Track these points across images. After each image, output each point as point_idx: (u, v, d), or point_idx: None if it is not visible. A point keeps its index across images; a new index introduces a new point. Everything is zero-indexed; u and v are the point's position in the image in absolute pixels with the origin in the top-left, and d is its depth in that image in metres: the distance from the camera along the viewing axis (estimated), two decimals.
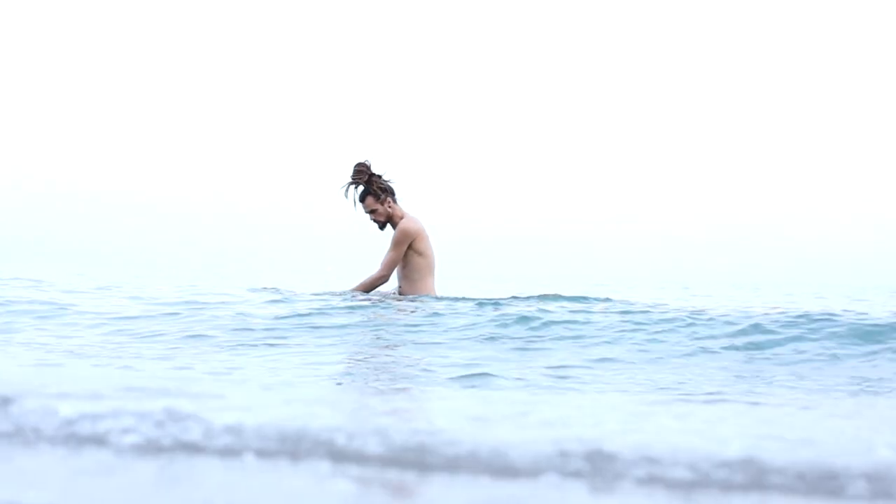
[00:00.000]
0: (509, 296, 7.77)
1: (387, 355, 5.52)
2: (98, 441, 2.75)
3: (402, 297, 7.65)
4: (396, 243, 7.63)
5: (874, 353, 5.36)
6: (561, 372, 4.89)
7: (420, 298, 7.56)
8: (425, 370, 4.92)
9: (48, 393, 3.28)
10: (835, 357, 5.34)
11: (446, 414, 3.53)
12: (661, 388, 4.57)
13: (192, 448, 2.67)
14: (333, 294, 7.85)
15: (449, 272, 8.39)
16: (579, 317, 6.42)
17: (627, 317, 6.39)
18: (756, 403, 4.00)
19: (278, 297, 7.80)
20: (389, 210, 7.72)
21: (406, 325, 6.30)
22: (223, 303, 7.54)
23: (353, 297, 7.56)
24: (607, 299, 7.43)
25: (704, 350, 5.51)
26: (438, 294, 7.79)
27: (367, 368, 5.11)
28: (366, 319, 6.52)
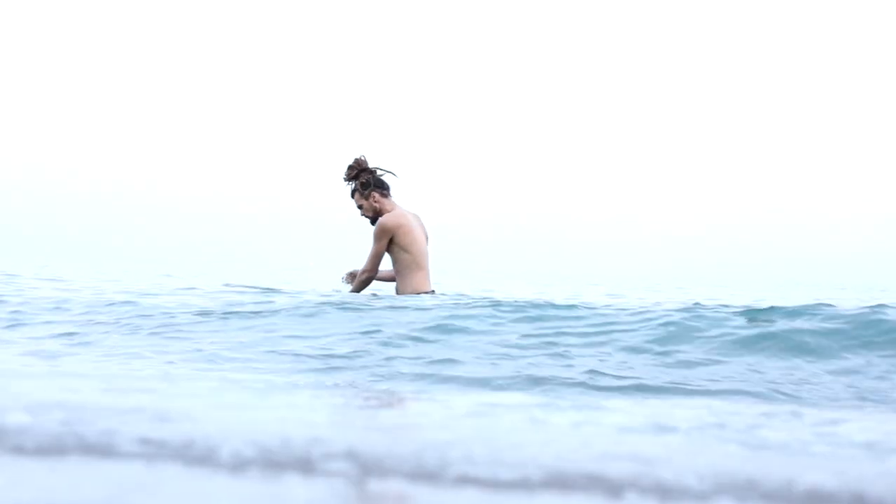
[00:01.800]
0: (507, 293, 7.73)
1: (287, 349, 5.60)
2: None
3: (397, 295, 7.70)
4: (375, 238, 7.71)
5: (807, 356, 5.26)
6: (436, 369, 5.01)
7: (390, 294, 7.65)
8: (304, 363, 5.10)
9: None
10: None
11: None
12: (536, 381, 4.68)
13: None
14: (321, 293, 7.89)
15: (453, 268, 8.43)
16: (532, 311, 6.38)
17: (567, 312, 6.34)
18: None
19: (243, 291, 7.91)
20: (376, 205, 7.77)
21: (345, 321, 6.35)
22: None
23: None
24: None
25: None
26: (433, 290, 7.82)
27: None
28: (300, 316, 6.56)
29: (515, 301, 6.79)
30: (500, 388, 4.55)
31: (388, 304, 6.80)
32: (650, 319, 5.91)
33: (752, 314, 5.83)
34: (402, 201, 7.93)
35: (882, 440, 3.21)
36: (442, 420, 3.39)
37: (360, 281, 7.75)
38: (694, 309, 6.10)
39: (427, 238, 7.91)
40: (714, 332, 5.61)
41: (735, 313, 5.89)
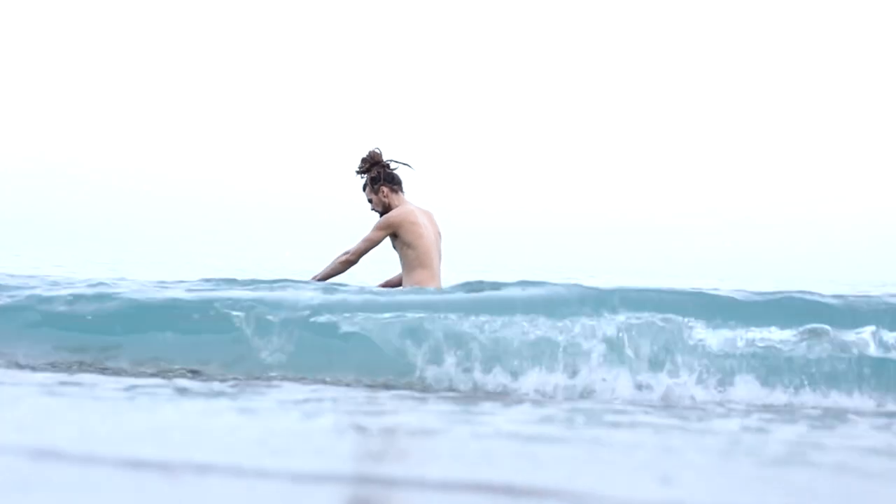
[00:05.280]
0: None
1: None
2: None
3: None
4: (374, 228, 7.54)
5: None
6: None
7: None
8: None
9: None
10: None
11: None
12: None
13: None
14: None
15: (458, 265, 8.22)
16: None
17: None
18: None
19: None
20: (385, 200, 7.63)
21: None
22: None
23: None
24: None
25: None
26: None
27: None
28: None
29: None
30: None
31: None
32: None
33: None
34: (415, 197, 7.77)
35: None
36: None
37: (339, 262, 7.52)
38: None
39: (440, 236, 7.74)
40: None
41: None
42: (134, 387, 5.21)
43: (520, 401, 5.37)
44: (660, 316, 5.95)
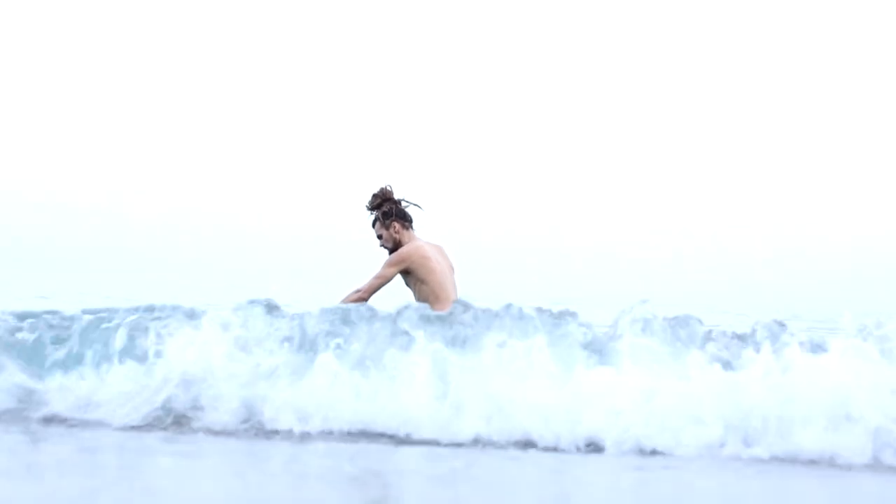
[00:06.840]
0: None
1: None
2: None
3: None
4: (385, 264, 7.56)
5: None
6: None
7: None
8: None
9: None
10: None
11: None
12: None
13: None
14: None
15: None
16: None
17: None
18: None
19: None
20: (396, 236, 7.66)
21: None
22: None
23: None
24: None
25: None
26: None
27: None
28: None
29: None
30: None
31: None
32: None
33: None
34: (425, 233, 7.79)
35: None
36: None
37: (350, 300, 7.37)
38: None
39: (453, 269, 7.76)
40: None
41: None
42: None
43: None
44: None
